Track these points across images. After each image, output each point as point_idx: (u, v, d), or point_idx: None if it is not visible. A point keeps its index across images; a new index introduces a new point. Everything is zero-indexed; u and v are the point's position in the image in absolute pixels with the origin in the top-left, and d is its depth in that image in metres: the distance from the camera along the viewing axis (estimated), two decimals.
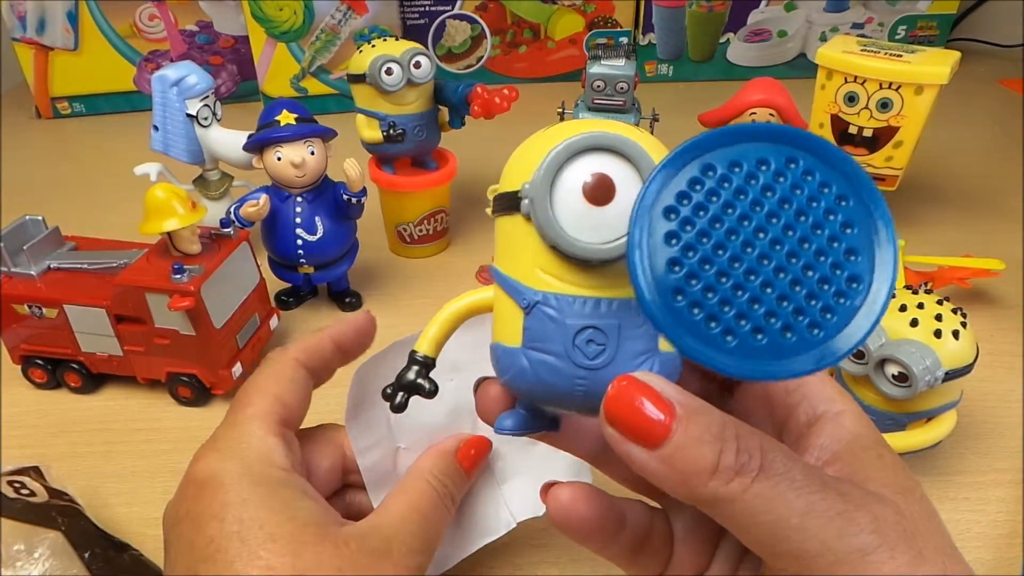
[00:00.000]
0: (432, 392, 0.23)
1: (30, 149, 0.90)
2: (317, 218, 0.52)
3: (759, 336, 0.17)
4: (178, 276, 0.43)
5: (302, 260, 0.53)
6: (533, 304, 0.21)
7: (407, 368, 0.23)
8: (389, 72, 0.55)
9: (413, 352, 0.24)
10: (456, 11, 0.99)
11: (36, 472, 0.38)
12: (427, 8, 0.99)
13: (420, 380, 0.23)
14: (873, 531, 0.18)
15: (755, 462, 0.18)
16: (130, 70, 0.96)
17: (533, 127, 0.24)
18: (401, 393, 0.23)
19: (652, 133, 0.58)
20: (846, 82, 0.59)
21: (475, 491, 0.34)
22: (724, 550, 0.26)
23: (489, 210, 0.23)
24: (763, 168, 0.17)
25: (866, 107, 0.59)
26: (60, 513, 0.35)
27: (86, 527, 0.35)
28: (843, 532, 0.18)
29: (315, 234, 0.52)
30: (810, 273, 0.17)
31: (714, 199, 0.17)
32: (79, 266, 0.47)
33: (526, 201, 0.20)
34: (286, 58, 0.92)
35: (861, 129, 0.60)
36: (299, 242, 0.52)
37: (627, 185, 0.19)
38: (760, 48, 1.02)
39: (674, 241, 0.17)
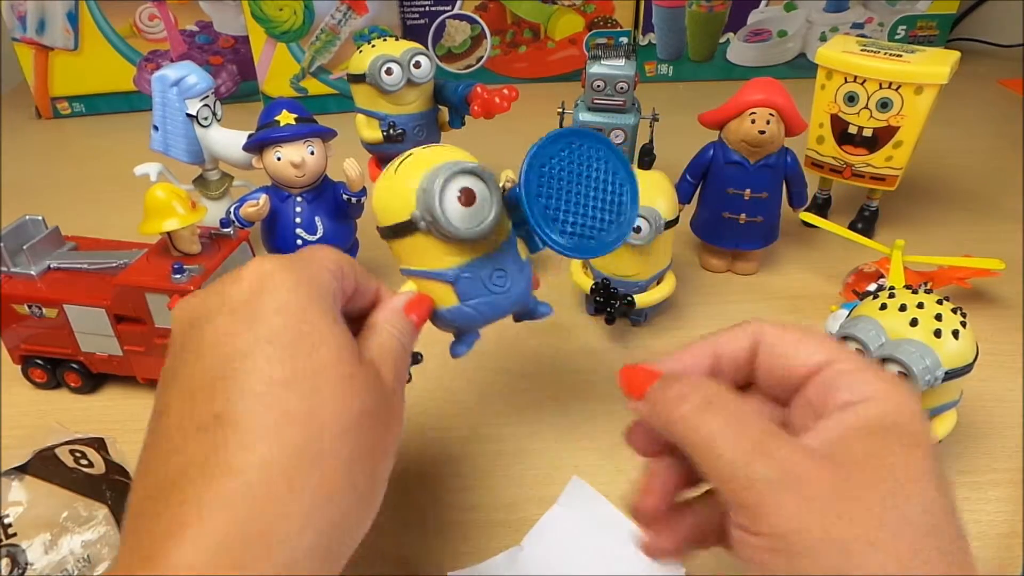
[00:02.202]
0: (417, 359, 0.36)
1: (30, 149, 0.90)
2: (317, 218, 0.52)
3: (584, 232, 0.31)
4: (178, 276, 0.43)
5: None
6: (457, 276, 0.32)
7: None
8: (389, 72, 0.55)
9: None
10: (456, 11, 0.99)
11: (100, 444, 0.39)
12: (427, 8, 0.99)
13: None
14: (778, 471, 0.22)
15: (706, 402, 0.25)
16: (130, 70, 0.96)
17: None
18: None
19: (652, 133, 0.59)
20: (846, 82, 0.59)
21: None
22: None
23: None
24: (573, 146, 0.31)
25: (866, 107, 0.59)
26: (110, 488, 0.36)
27: None
28: (759, 456, 0.23)
29: (315, 234, 0.52)
30: (605, 196, 0.32)
31: (554, 163, 0.31)
32: (79, 266, 0.47)
33: (422, 223, 0.30)
34: (286, 58, 0.92)
35: (861, 129, 0.60)
36: (299, 242, 0.52)
37: (479, 189, 0.30)
38: (760, 48, 1.02)
39: (540, 185, 0.30)
